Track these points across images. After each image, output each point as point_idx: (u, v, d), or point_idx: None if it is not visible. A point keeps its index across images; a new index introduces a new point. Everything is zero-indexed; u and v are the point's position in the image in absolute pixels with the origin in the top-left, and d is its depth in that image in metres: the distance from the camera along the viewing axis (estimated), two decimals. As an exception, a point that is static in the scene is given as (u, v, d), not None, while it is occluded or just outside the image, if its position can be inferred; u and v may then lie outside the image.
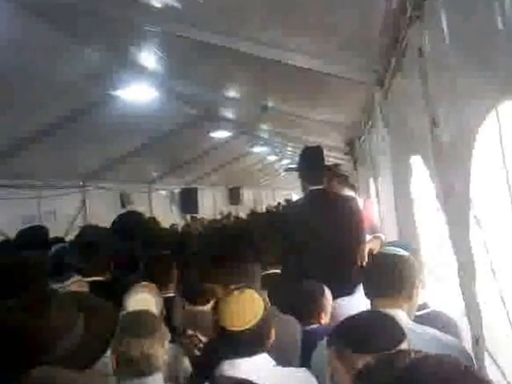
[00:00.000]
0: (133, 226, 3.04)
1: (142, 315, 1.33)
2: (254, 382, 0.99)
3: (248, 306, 1.19)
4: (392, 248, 1.33)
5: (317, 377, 1.26)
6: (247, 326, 1.16)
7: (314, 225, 2.30)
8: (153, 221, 6.06)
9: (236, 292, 1.24)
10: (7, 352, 0.87)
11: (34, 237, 3.02)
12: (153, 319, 1.29)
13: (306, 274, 2.02)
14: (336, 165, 3.88)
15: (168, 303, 1.95)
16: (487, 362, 1.15)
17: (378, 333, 0.93)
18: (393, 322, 0.98)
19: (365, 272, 1.33)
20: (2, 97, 3.09)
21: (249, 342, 1.17)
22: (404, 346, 0.91)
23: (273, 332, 1.23)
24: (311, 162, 2.52)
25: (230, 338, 1.16)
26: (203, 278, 1.93)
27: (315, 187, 2.44)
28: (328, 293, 1.87)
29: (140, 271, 2.31)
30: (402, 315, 1.18)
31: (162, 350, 1.24)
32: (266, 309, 1.21)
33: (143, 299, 1.68)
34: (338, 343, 0.95)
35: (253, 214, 6.90)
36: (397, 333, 0.93)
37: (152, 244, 2.94)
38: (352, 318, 1.03)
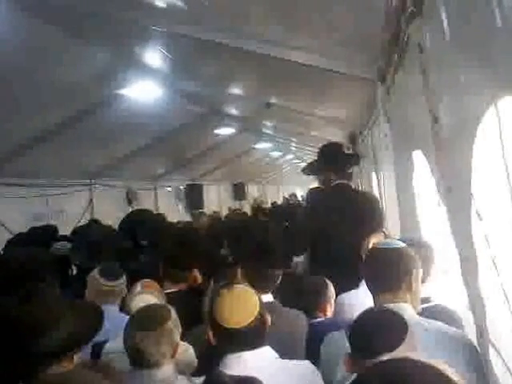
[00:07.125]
0: (142, 224, 3.08)
1: (150, 308, 1.35)
2: (257, 374, 1.01)
3: (243, 304, 1.18)
4: (388, 241, 1.35)
5: (327, 369, 1.26)
6: (245, 324, 1.15)
7: (324, 219, 2.33)
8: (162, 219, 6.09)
9: (226, 290, 1.20)
10: (4, 337, 1.01)
11: (42, 235, 3.08)
12: (162, 311, 1.30)
13: (317, 269, 2.06)
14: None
15: (182, 297, 1.99)
16: (491, 354, 1.15)
17: (378, 337, 0.95)
18: (394, 321, 0.99)
19: (364, 268, 1.34)
20: (10, 98, 3.14)
21: (248, 338, 1.17)
22: (406, 342, 0.93)
23: (269, 322, 1.23)
24: (327, 157, 2.54)
25: (229, 335, 1.16)
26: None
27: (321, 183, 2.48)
28: (331, 286, 1.89)
29: (147, 269, 2.34)
30: (406, 308, 1.19)
31: (171, 341, 1.25)
32: (260, 303, 1.21)
33: (146, 301, 1.71)
34: (350, 346, 1.01)
35: (257, 209, 6.72)
36: (397, 334, 0.95)
37: (163, 241, 2.98)
38: (358, 321, 1.04)
